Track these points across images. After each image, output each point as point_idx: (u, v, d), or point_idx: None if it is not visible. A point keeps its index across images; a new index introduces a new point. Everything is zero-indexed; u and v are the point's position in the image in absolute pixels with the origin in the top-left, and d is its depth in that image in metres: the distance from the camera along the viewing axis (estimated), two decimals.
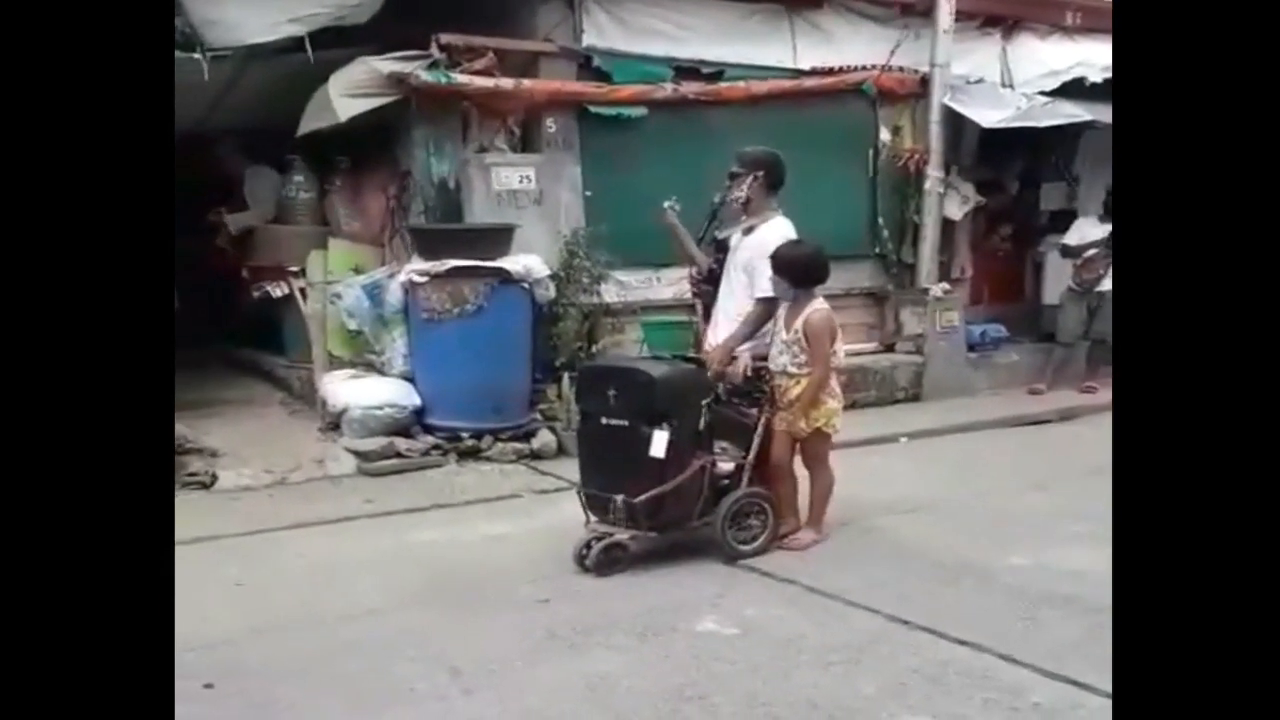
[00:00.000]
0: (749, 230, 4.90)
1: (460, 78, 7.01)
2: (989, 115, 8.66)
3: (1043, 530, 4.98)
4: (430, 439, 6.59)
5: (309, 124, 7.35)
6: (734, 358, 4.75)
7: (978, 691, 3.29)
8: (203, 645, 3.67)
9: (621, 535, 4.48)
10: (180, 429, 6.17)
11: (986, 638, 3.67)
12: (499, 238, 6.78)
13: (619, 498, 4.43)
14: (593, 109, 7.57)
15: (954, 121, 8.83)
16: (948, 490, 5.90)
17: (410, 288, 6.65)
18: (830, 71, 8.49)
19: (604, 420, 4.57)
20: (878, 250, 8.96)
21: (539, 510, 5.56)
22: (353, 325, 7.13)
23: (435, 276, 6.50)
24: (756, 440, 4.71)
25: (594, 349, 7.18)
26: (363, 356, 7.17)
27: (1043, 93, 9.01)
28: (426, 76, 6.93)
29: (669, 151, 7.60)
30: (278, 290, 8.04)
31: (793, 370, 4.67)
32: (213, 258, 9.13)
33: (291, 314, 8.04)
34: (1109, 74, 7.83)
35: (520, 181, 7.31)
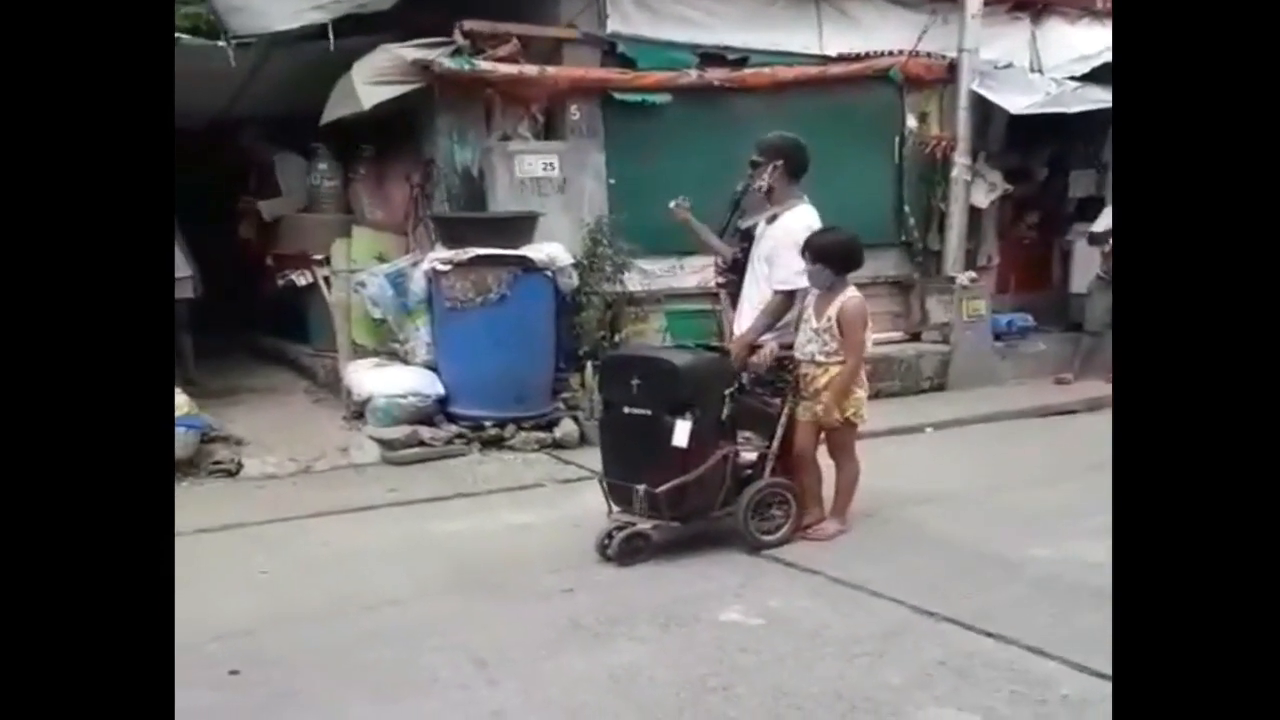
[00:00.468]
0: (773, 219, 4.85)
1: (484, 65, 7.00)
2: (1017, 101, 8.56)
3: (1068, 522, 4.92)
4: (454, 428, 6.61)
5: (333, 112, 7.38)
6: (758, 346, 4.72)
7: (1005, 683, 3.26)
8: (227, 633, 3.71)
9: (644, 525, 4.46)
10: (205, 417, 6.22)
11: (1013, 629, 3.63)
12: (522, 226, 6.77)
13: (641, 487, 4.41)
14: (617, 96, 7.54)
15: (982, 108, 8.73)
16: (973, 481, 5.84)
17: (434, 276, 6.65)
18: (857, 57, 8.41)
19: (627, 409, 4.56)
20: (904, 238, 8.88)
21: (561, 500, 5.56)
22: (376, 314, 7.15)
23: (459, 265, 6.50)
24: (780, 430, 4.68)
25: (617, 338, 7.15)
26: (386, 345, 7.20)
27: (1072, 78, 8.88)
28: (450, 64, 6.93)
29: (693, 139, 7.56)
30: (302, 279, 8.08)
31: (821, 359, 4.63)
32: (237, 245, 9.19)
33: (316, 302, 8.09)
34: None
35: (544, 169, 7.29)
